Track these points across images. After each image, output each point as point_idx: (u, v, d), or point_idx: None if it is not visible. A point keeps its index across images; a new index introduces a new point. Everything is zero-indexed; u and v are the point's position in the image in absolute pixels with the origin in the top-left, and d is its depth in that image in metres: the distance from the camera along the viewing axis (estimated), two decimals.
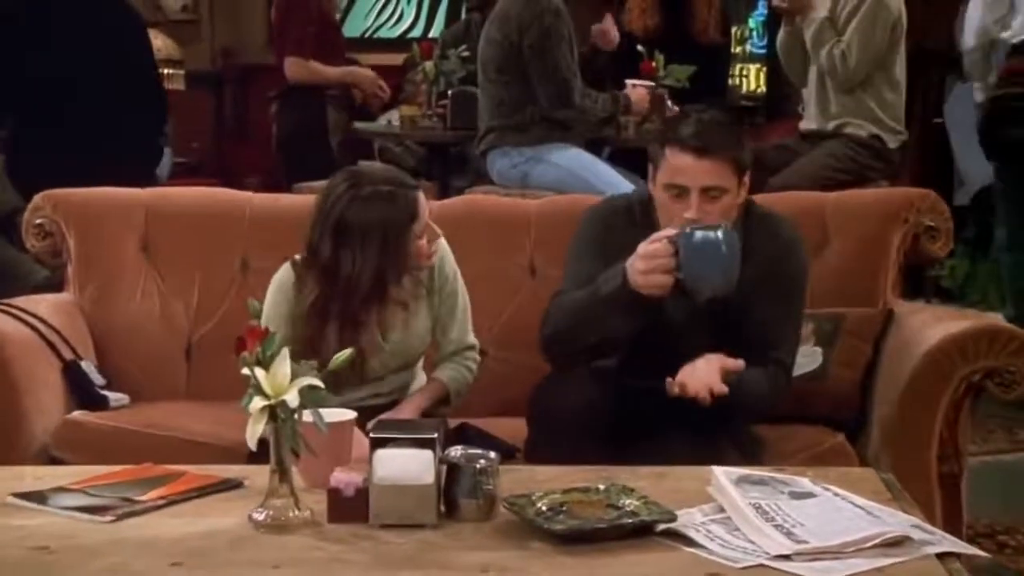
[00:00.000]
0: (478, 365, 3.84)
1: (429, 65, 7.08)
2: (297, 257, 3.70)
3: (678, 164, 3.48)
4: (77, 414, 4.04)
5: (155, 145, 5.91)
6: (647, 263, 3.38)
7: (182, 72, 9.23)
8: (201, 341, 4.32)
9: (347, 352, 3.02)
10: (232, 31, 10.52)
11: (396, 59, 8.95)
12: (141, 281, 4.39)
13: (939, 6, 7.37)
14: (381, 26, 10.80)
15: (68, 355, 4.10)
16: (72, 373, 4.08)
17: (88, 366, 4.13)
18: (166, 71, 8.66)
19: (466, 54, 7.00)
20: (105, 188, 4.49)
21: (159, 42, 8.75)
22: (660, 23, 7.21)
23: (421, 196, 3.66)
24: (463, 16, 8.57)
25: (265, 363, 2.80)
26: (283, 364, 2.79)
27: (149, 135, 5.86)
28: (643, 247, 3.39)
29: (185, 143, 8.17)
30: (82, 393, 4.08)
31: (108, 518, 2.86)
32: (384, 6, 10.81)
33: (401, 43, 9.21)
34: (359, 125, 7.14)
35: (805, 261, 3.70)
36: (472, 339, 3.85)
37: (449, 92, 6.97)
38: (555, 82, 6.08)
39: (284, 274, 3.70)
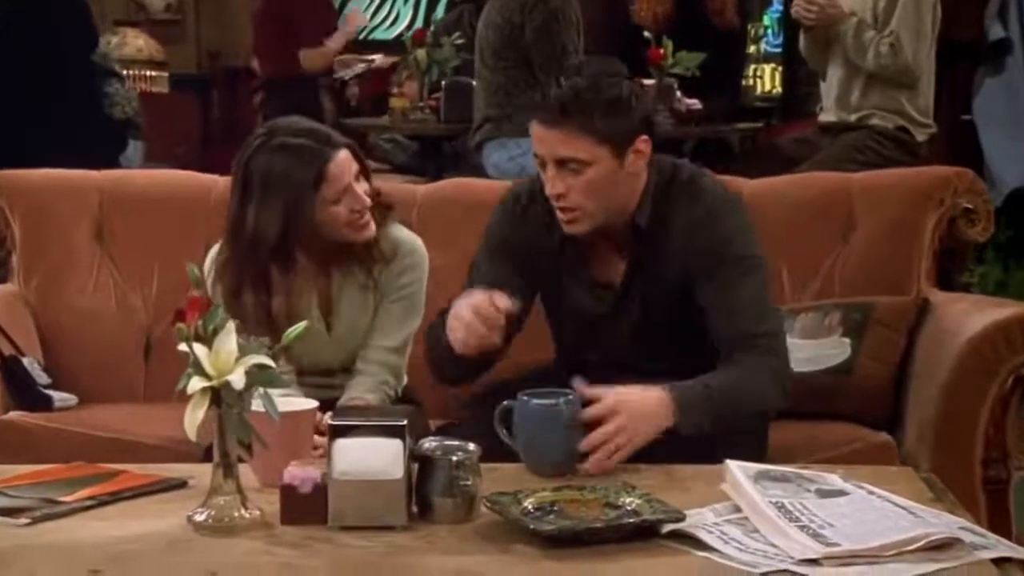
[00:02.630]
0: (390, 400, 3.53)
1: (421, 53, 6.88)
2: None
3: (535, 132, 3.25)
4: (14, 414, 3.86)
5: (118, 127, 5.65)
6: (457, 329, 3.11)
7: (165, 74, 9.11)
8: (161, 338, 4.05)
9: (301, 325, 2.75)
10: (219, 31, 10.47)
11: (392, 61, 8.79)
12: (94, 271, 4.20)
13: None
14: (376, 27, 10.84)
15: (8, 350, 3.92)
16: (11, 370, 3.89)
17: (31, 363, 3.95)
18: (148, 73, 8.51)
19: (460, 41, 6.80)
20: (55, 169, 4.33)
21: (141, 42, 8.60)
22: (671, 9, 6.97)
23: (340, 156, 3.38)
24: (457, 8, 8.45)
25: (207, 338, 2.55)
26: (228, 340, 2.55)
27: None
28: (463, 305, 3.10)
29: (168, 148, 8.02)
30: (22, 392, 3.89)
31: (22, 521, 2.62)
32: (380, 7, 10.87)
33: (397, 45, 9.20)
34: (347, 121, 6.92)
35: (737, 220, 3.32)
36: (400, 363, 3.54)
37: (442, 83, 6.89)
38: (563, 68, 5.78)
39: (214, 252, 3.53)
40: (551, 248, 3.34)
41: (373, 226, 3.43)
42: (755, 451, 3.16)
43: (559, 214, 3.25)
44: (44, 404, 3.87)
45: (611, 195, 3.22)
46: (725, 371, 3.12)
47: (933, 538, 2.39)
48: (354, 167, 3.39)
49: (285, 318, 3.33)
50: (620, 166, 3.20)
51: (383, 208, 3.49)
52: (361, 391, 3.43)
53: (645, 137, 3.22)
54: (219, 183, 4.22)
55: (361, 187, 3.39)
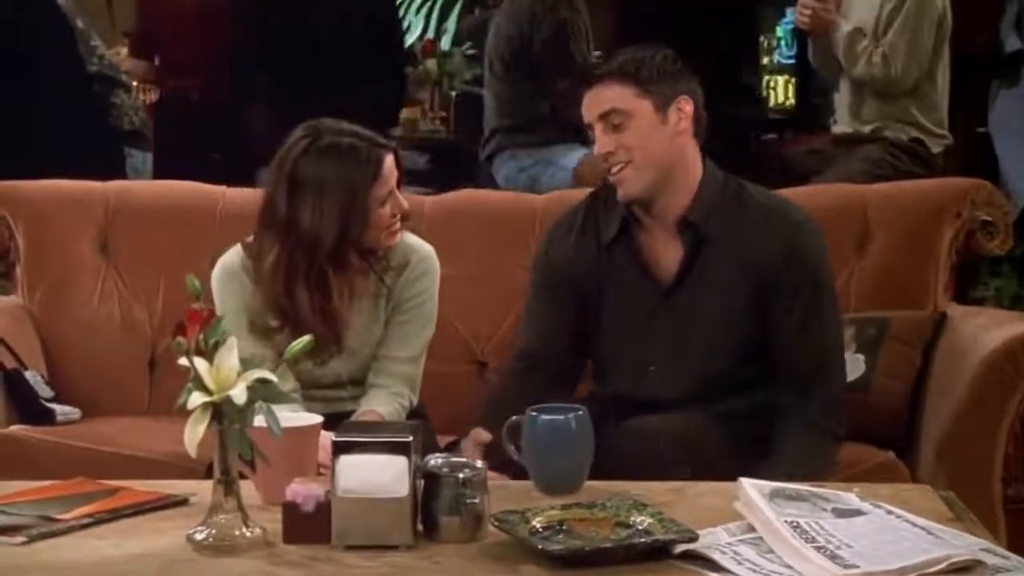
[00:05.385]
0: (406, 412, 3.50)
1: (431, 64, 6.82)
2: (249, 239, 3.48)
3: (584, 103, 3.34)
4: (15, 428, 3.80)
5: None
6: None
7: None
8: (167, 351, 3.91)
9: (306, 338, 2.68)
10: None
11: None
12: (99, 283, 4.17)
13: (983, 4, 7.14)
14: None
15: (11, 363, 3.89)
16: (13, 383, 3.85)
17: (33, 376, 3.92)
18: None
19: (471, 52, 6.75)
20: (59, 180, 4.30)
21: None
22: None
23: (389, 158, 3.41)
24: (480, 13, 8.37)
25: (207, 352, 2.50)
26: (230, 354, 2.50)
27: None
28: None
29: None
30: (24, 406, 3.85)
31: (18, 539, 2.56)
32: None
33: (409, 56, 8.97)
34: None
35: (825, 253, 3.36)
36: (415, 373, 3.51)
37: (453, 94, 6.70)
38: (572, 78, 5.79)
39: (232, 257, 3.48)
40: (597, 254, 3.37)
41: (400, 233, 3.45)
42: None
43: (612, 179, 3.29)
44: (46, 418, 3.83)
45: (657, 152, 3.26)
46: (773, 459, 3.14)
47: (955, 560, 2.34)
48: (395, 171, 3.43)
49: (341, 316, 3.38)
50: (663, 121, 3.26)
51: (403, 216, 3.48)
52: (375, 404, 3.39)
53: (686, 96, 3.27)
54: (226, 194, 4.21)
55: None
